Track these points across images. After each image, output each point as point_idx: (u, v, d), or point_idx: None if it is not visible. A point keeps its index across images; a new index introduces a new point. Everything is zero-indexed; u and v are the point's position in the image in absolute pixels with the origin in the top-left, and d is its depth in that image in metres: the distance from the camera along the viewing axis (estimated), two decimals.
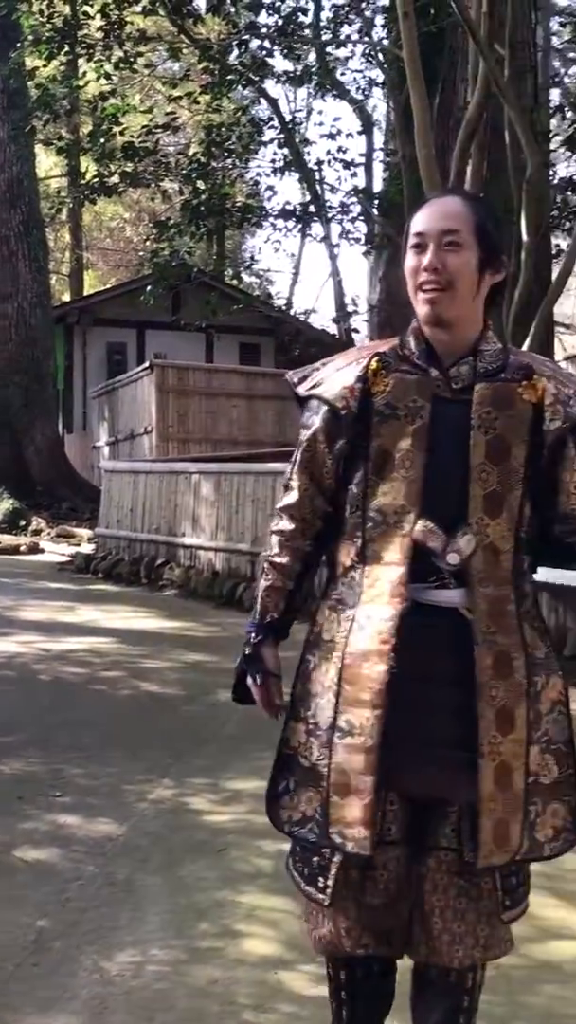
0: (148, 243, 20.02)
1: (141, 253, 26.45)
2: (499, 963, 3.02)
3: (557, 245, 16.10)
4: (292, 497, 2.37)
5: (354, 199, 17.28)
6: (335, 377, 2.32)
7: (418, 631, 2.19)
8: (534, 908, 3.55)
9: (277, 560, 2.38)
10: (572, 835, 2.31)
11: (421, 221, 2.27)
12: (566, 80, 22.69)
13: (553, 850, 2.30)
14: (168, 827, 4.56)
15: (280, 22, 15.42)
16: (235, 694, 2.46)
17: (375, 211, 17.06)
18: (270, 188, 16.71)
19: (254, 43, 15.63)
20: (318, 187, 17.08)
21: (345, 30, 16.57)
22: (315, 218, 17.41)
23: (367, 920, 2.28)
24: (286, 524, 2.38)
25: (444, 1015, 2.33)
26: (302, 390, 2.37)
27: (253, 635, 2.39)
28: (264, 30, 15.70)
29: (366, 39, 16.52)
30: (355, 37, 16.72)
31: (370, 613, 2.22)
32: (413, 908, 2.29)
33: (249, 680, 2.39)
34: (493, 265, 2.27)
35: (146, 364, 18.89)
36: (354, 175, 17.78)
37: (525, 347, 10.82)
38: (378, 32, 16.79)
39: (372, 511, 2.25)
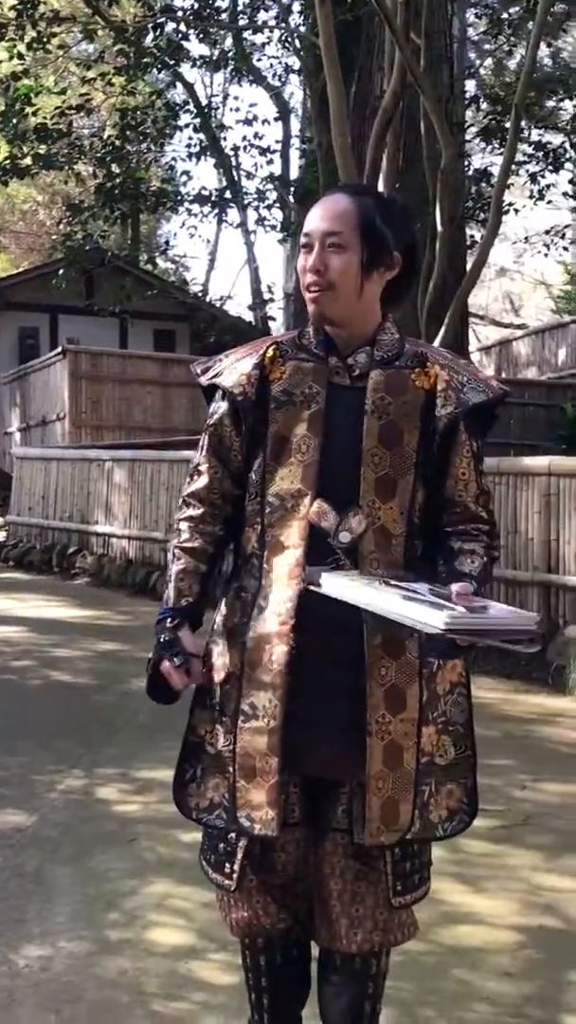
0: (61, 226, 19.75)
1: (54, 236, 26.10)
2: (407, 949, 3.05)
3: (472, 236, 16.24)
4: (202, 482, 2.36)
5: (270, 186, 17.25)
6: (235, 366, 2.35)
7: (315, 612, 2.20)
8: (442, 894, 3.60)
9: (188, 545, 2.35)
10: (467, 816, 2.33)
11: (309, 221, 2.30)
12: (481, 71, 22.90)
13: (447, 831, 2.31)
14: (78, 817, 4.52)
15: (196, 6, 15.31)
16: (151, 692, 2.30)
17: (291, 198, 17.07)
18: (186, 173, 16.63)
19: (170, 26, 15.49)
20: (234, 173, 17.03)
21: (262, 16, 16.53)
22: (231, 204, 17.38)
23: (277, 899, 2.30)
24: (195, 510, 2.37)
25: (350, 1001, 2.33)
26: (204, 380, 2.40)
27: (169, 620, 2.30)
28: (180, 13, 15.58)
29: (283, 25, 16.47)
30: (272, 23, 16.67)
31: (270, 596, 2.25)
32: (313, 892, 2.30)
33: (166, 664, 2.25)
34: (382, 263, 2.29)
35: (59, 349, 18.65)
36: (270, 162, 17.69)
37: (439, 337, 10.91)
38: (295, 19, 16.76)
39: (271, 496, 2.27)
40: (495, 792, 4.81)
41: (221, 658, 2.30)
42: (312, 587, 2.16)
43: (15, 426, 20.99)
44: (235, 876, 2.28)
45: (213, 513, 2.36)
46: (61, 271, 16.25)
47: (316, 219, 2.29)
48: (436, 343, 10.91)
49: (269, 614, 2.24)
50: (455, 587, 2.02)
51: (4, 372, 22.70)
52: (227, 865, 2.30)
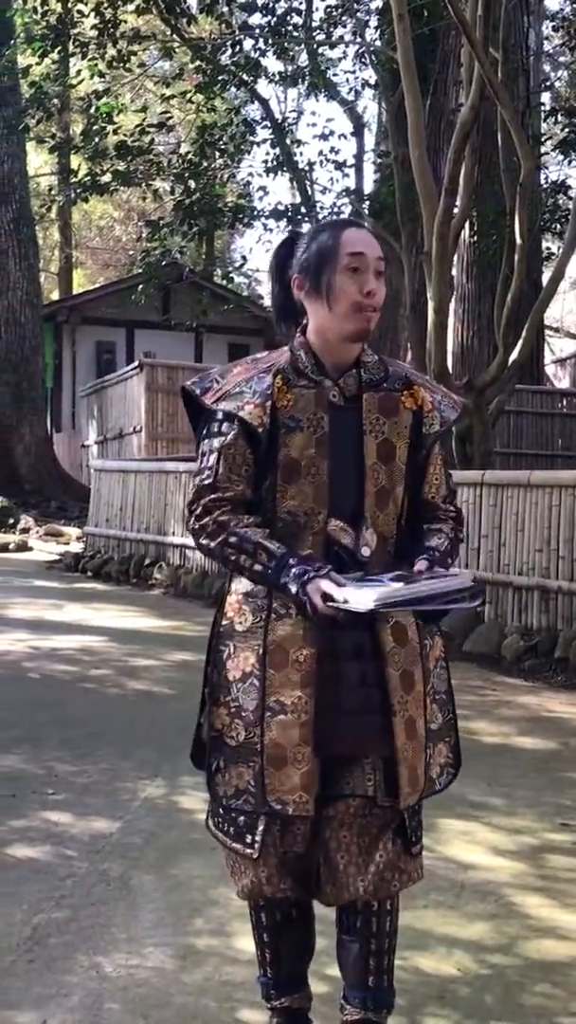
0: (139, 243, 19.99)
1: (131, 252, 26.42)
2: (492, 962, 3.05)
3: (548, 248, 16.16)
4: (228, 493, 2.53)
5: (345, 200, 17.30)
6: (242, 392, 2.53)
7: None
8: (527, 908, 3.59)
9: (241, 528, 2.50)
10: (454, 769, 2.68)
11: (359, 243, 2.48)
12: (557, 84, 22.78)
13: (442, 784, 2.64)
14: (161, 825, 4.56)
15: (273, 22, 15.43)
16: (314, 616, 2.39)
17: (366, 211, 17.09)
18: (262, 188, 16.57)
19: (247, 43, 15.62)
20: (309, 188, 17.10)
21: (338, 31, 16.60)
22: (306, 219, 17.43)
23: (289, 867, 2.57)
24: (227, 513, 2.52)
25: (357, 955, 2.58)
26: (209, 401, 2.56)
27: (300, 569, 2.38)
28: (257, 30, 15.70)
29: (359, 40, 16.53)
30: (348, 38, 16.74)
31: (287, 603, 2.47)
32: (318, 853, 2.54)
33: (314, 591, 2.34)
34: None
35: (135, 363, 18.89)
36: (346, 176, 17.82)
37: (516, 349, 10.86)
38: (371, 33, 16.80)
39: (282, 513, 2.51)
40: None
41: (234, 659, 2.55)
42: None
43: (92, 439, 21.27)
44: (257, 846, 2.53)
45: (240, 513, 2.55)
46: (139, 286, 16.42)
47: (368, 245, 2.49)
48: (513, 356, 10.87)
49: (289, 620, 2.48)
50: (417, 566, 2.40)
51: (82, 386, 23.04)
52: (248, 836, 2.54)
